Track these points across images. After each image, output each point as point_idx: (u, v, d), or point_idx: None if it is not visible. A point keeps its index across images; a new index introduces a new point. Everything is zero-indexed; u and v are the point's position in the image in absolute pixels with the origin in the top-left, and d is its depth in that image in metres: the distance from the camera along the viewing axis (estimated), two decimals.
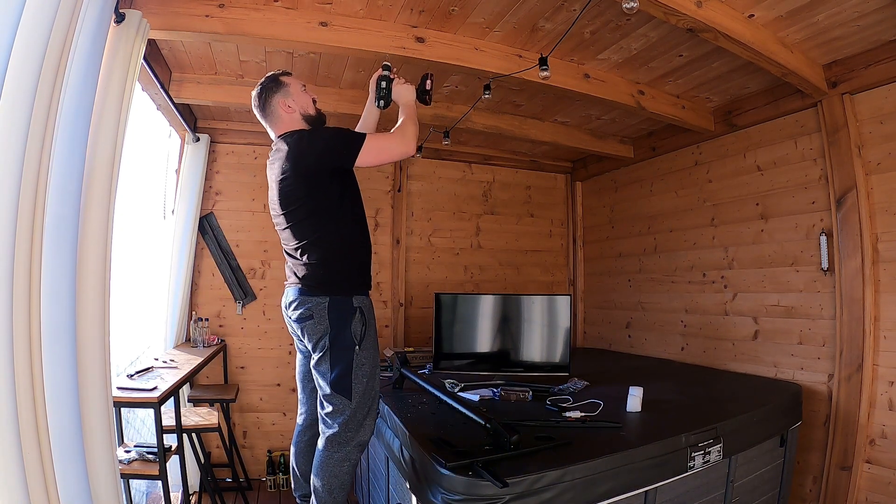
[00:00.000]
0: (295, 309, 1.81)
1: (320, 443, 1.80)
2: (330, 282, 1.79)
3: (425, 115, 3.08)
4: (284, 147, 1.79)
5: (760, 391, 2.45)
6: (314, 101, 1.94)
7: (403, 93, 1.98)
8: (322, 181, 1.77)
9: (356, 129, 2.04)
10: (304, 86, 1.94)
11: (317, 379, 1.81)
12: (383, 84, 1.97)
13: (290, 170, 1.75)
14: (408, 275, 3.97)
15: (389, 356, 3.10)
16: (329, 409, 1.76)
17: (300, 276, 1.82)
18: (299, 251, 1.82)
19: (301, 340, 1.91)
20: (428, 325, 3.50)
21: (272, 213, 1.93)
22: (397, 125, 1.87)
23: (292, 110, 1.87)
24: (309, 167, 1.75)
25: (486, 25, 2.22)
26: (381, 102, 1.98)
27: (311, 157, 1.74)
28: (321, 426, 1.82)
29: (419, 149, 3.69)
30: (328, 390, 1.75)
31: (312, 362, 1.81)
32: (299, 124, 1.88)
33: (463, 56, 2.30)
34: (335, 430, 1.75)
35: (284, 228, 1.86)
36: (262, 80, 1.92)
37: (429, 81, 2.03)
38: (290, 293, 1.85)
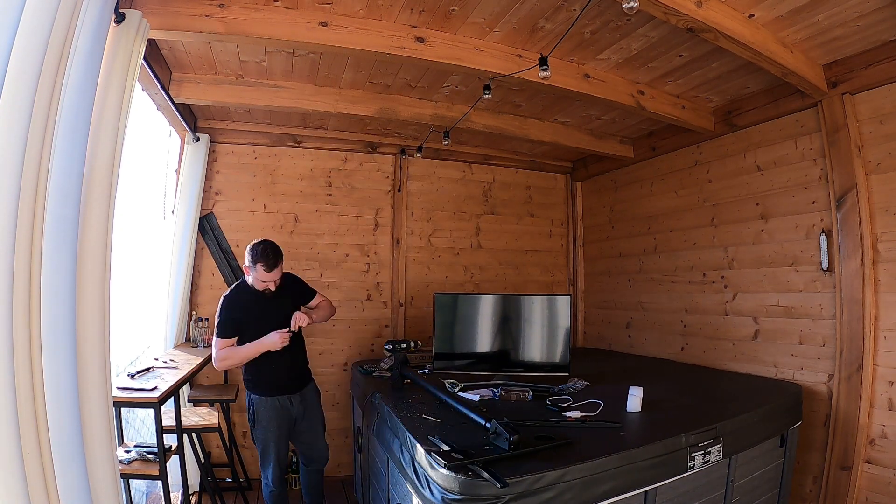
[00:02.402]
0: None
1: None
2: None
3: (425, 114, 3.09)
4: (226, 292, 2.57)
5: (760, 391, 2.45)
6: (266, 289, 2.46)
7: (268, 337, 2.40)
8: None
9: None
10: (266, 280, 2.43)
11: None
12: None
13: None
14: (408, 275, 3.97)
15: (389, 356, 3.09)
16: None
17: None
18: None
19: None
20: (428, 325, 3.50)
21: None
22: (236, 349, 2.41)
23: (247, 275, 2.48)
24: None
25: (486, 25, 2.22)
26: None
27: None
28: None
29: (419, 149, 3.70)
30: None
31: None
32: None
33: (463, 56, 2.30)
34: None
35: None
36: (253, 245, 2.45)
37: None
38: None
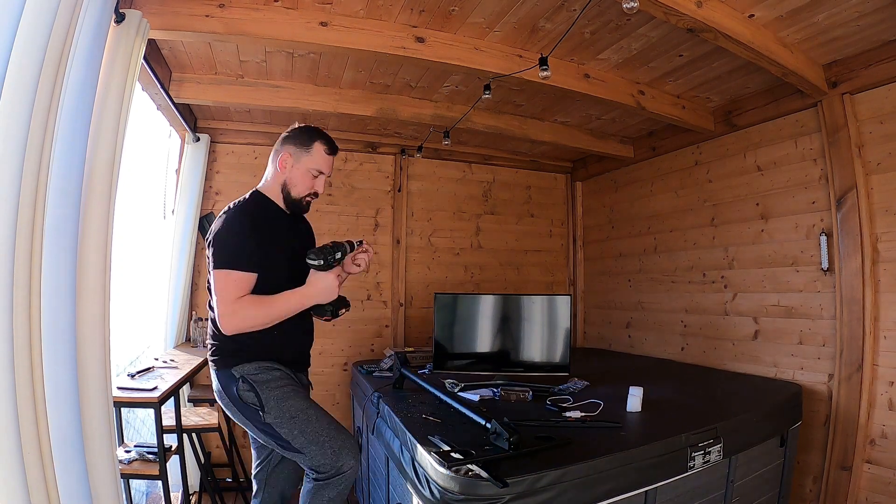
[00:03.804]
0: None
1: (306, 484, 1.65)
2: (212, 354, 1.65)
3: (425, 114, 3.09)
4: (233, 204, 1.65)
5: (760, 391, 2.45)
6: (312, 193, 1.73)
7: (322, 281, 1.59)
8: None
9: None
10: (322, 174, 1.73)
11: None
12: (338, 255, 1.60)
13: (212, 232, 1.60)
14: (408, 275, 3.97)
15: (389, 356, 3.10)
16: (297, 459, 1.62)
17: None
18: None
19: None
20: (428, 325, 3.50)
21: None
22: (268, 298, 1.55)
23: (283, 173, 1.70)
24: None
25: (486, 25, 2.22)
26: (319, 262, 1.58)
27: (211, 245, 1.58)
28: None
29: (419, 149, 3.70)
30: (283, 452, 1.64)
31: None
32: (274, 188, 1.72)
33: (463, 56, 2.30)
34: (313, 475, 1.60)
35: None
36: (301, 125, 1.75)
37: (342, 310, 1.70)
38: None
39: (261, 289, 1.56)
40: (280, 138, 1.75)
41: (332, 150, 1.73)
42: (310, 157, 1.70)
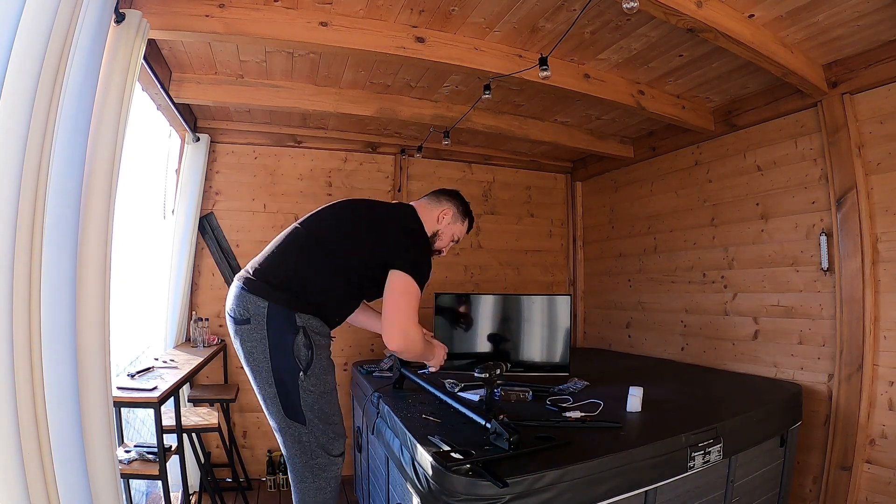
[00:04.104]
0: (234, 308, 1.67)
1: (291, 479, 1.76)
2: (276, 286, 1.63)
3: (425, 114, 3.09)
4: (408, 222, 1.83)
5: (760, 391, 2.45)
6: (439, 251, 2.02)
7: (441, 351, 2.04)
8: (379, 268, 1.77)
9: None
10: (457, 240, 2.07)
11: (262, 403, 1.70)
12: (485, 375, 1.86)
13: (389, 235, 1.78)
14: None
15: (389, 356, 3.10)
16: (283, 438, 1.71)
17: (253, 274, 1.68)
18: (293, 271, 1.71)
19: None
20: (428, 325, 3.49)
21: (319, 231, 1.82)
22: (424, 339, 1.86)
23: (437, 224, 1.97)
24: (394, 254, 1.75)
25: (486, 25, 2.22)
26: (482, 374, 1.86)
27: (404, 250, 1.76)
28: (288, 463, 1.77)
29: (419, 149, 3.70)
30: (278, 419, 1.68)
31: (251, 380, 1.69)
32: (428, 228, 1.93)
33: (463, 56, 2.30)
34: (300, 459, 1.70)
35: (315, 257, 1.73)
36: (461, 196, 2.06)
37: None
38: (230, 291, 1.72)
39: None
40: (443, 193, 2.04)
41: (470, 229, 2.10)
42: (460, 226, 2.04)
